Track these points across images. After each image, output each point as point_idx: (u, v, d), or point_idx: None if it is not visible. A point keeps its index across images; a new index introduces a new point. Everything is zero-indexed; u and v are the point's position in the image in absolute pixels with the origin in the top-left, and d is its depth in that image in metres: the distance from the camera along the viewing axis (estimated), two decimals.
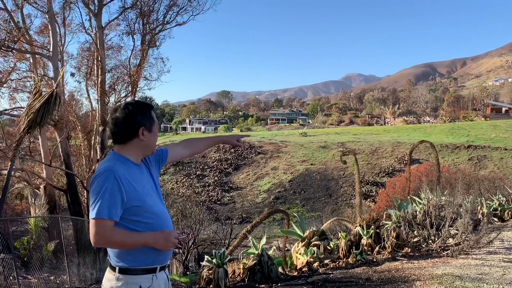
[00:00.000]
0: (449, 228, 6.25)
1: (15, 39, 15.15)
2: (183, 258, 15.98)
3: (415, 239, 6.47)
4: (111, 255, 2.16)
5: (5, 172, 12.14)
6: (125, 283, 2.09)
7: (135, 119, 2.17)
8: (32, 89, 11.71)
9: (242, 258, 6.46)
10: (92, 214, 2.02)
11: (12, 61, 19.41)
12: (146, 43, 19.89)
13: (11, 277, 7.97)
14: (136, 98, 19.72)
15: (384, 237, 6.64)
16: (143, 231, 2.12)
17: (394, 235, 6.52)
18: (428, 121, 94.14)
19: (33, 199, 15.63)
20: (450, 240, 6.30)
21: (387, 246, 6.53)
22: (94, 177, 2.07)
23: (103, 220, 2.00)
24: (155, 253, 2.14)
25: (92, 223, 2.02)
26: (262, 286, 5.61)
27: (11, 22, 17.02)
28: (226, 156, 44.30)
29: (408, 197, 8.07)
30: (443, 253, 6.01)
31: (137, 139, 2.19)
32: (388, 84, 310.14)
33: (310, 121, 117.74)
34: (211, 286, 5.53)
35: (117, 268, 2.11)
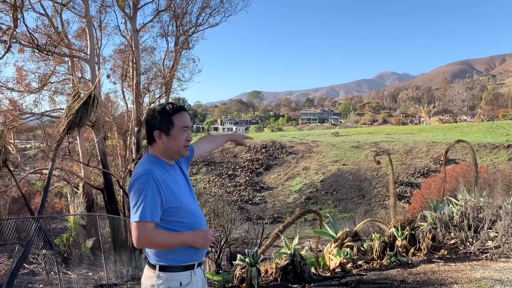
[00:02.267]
0: (488, 230, 6.08)
1: (55, 43, 15.72)
2: (216, 257, 16.13)
3: (452, 241, 6.32)
4: (150, 254, 2.20)
5: (46, 171, 12.63)
6: (165, 280, 2.14)
7: (150, 122, 2.23)
8: (71, 91, 12.14)
9: (275, 258, 6.50)
10: (135, 217, 2.04)
11: (52, 65, 20.22)
12: (179, 45, 20.24)
13: (52, 272, 8.27)
14: (169, 99, 20.15)
15: (419, 238, 6.51)
16: (182, 231, 2.17)
17: (430, 236, 6.39)
18: (465, 120, 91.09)
19: (72, 197, 16.16)
20: (489, 242, 6.12)
21: (422, 248, 6.41)
22: (133, 181, 2.11)
23: (146, 223, 2.04)
24: (192, 251, 2.20)
25: (135, 225, 2.05)
26: (295, 286, 5.62)
27: (51, 27, 17.78)
28: (257, 156, 44.44)
29: (444, 198, 7.88)
30: (482, 256, 5.84)
31: (156, 142, 2.23)
32: (422, 82, 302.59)
33: (342, 120, 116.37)
34: (244, 285, 5.58)
35: (157, 266, 2.15)
